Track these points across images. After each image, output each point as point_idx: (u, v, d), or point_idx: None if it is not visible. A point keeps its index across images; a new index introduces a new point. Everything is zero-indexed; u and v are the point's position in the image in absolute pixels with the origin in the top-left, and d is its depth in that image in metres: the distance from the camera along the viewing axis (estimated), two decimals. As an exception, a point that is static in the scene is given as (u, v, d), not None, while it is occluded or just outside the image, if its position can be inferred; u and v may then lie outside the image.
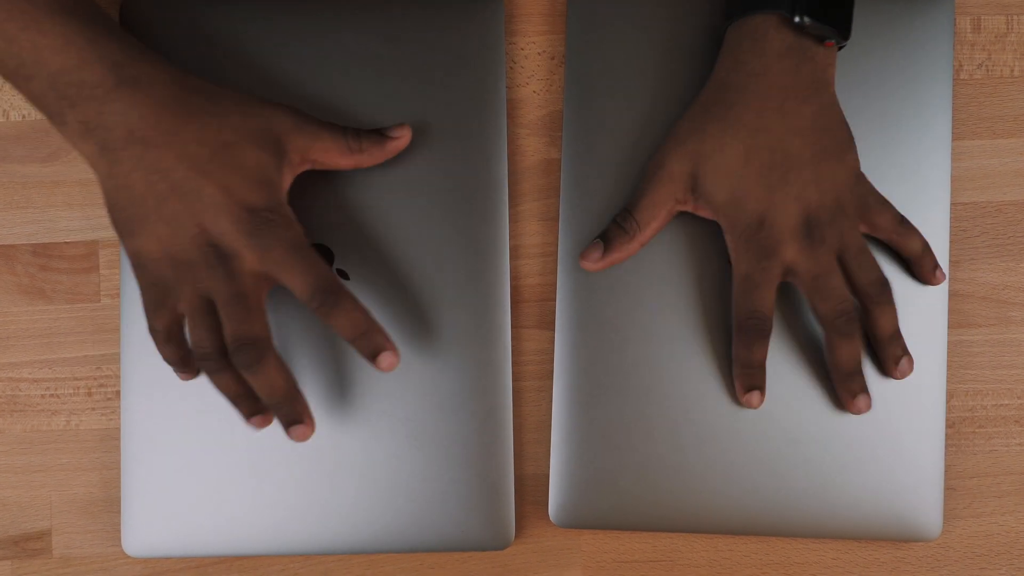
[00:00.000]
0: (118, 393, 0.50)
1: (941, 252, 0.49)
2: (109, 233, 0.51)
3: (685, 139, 0.46)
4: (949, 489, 0.50)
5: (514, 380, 0.50)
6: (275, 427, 0.48)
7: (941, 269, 0.48)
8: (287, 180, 0.44)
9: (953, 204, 0.51)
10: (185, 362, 0.45)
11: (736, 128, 0.44)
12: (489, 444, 0.48)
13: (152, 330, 0.44)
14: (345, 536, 0.48)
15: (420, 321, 0.48)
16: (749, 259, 0.45)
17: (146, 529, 0.48)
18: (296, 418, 0.43)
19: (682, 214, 0.49)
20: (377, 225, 0.49)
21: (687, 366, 0.48)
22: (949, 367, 0.50)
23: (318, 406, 0.48)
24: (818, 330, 0.48)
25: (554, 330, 0.50)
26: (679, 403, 0.48)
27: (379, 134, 0.47)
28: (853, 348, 0.45)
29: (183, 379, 0.47)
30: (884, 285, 0.45)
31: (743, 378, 0.46)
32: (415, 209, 0.49)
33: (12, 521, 0.50)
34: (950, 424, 0.50)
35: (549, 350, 0.50)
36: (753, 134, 0.44)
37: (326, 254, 0.49)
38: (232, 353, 0.42)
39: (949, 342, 0.50)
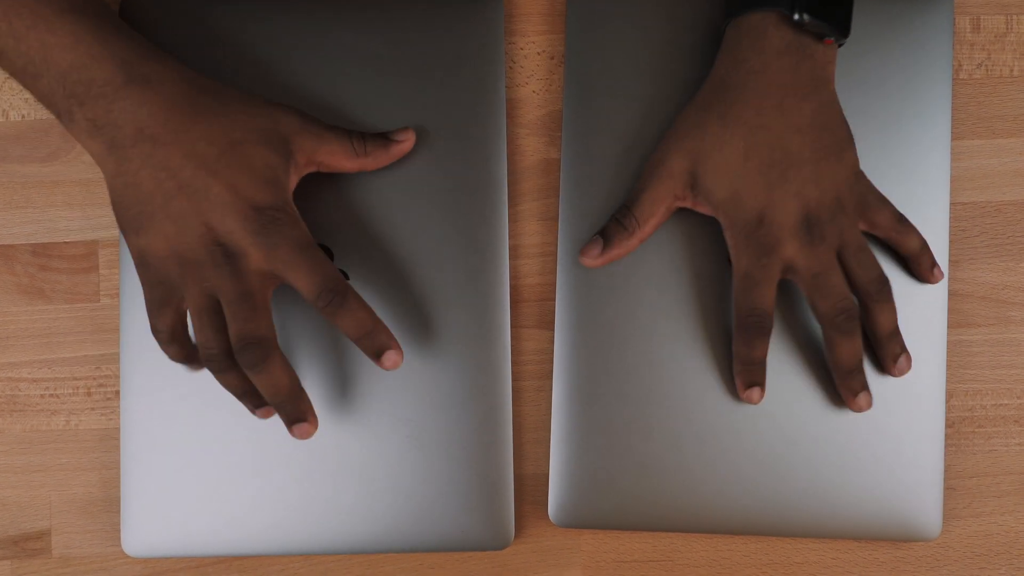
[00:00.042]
0: (117, 393, 0.50)
1: (940, 252, 0.49)
2: (109, 233, 0.51)
3: (684, 136, 0.46)
4: (949, 489, 0.50)
5: (514, 380, 0.50)
6: (276, 427, 0.48)
7: (939, 267, 0.48)
8: (293, 181, 0.45)
9: (953, 204, 0.51)
10: (191, 358, 0.45)
11: (736, 126, 0.44)
12: (489, 444, 0.48)
13: (155, 330, 0.44)
14: (345, 536, 0.48)
15: (420, 321, 0.48)
16: (749, 256, 0.45)
17: (146, 529, 0.48)
18: (300, 416, 0.43)
19: (683, 214, 0.49)
20: (377, 225, 0.49)
21: (687, 366, 0.48)
22: (949, 367, 0.50)
23: (319, 406, 0.48)
24: (817, 329, 0.48)
25: (553, 330, 0.50)
26: (679, 403, 0.48)
27: (384, 138, 0.47)
28: (853, 346, 0.45)
29: (192, 370, 0.47)
30: (884, 283, 0.45)
31: (744, 375, 0.46)
32: (415, 209, 0.49)
33: (12, 521, 0.50)
34: (950, 424, 0.50)
35: (549, 350, 0.50)
36: (753, 132, 0.44)
37: (327, 254, 0.49)
38: (237, 352, 0.42)
39: (949, 342, 0.50)
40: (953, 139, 0.51)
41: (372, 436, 0.48)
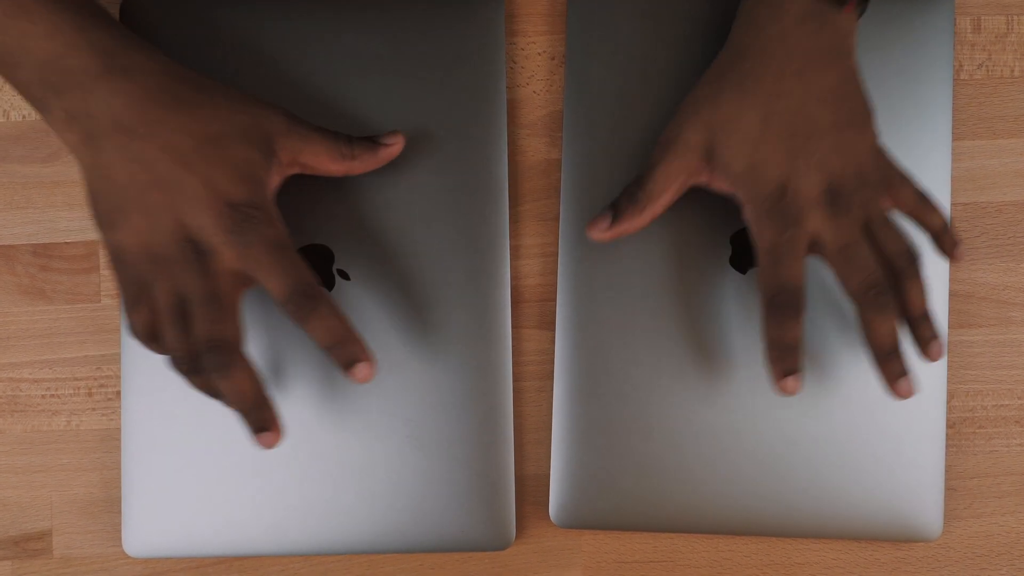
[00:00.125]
0: (118, 393, 0.50)
1: (941, 252, 0.49)
2: (109, 233, 0.51)
3: (699, 108, 0.44)
4: (950, 489, 0.50)
5: (514, 380, 0.50)
6: (275, 427, 0.48)
7: (963, 246, 0.45)
8: (274, 180, 0.43)
9: (953, 204, 0.51)
10: None
11: (754, 94, 0.43)
12: (489, 444, 0.48)
13: (132, 330, 0.42)
14: (345, 536, 0.48)
15: (420, 321, 0.48)
16: (772, 231, 0.42)
17: (146, 529, 0.48)
18: (263, 425, 0.41)
19: (683, 213, 0.49)
20: (378, 225, 0.49)
21: (688, 366, 0.48)
22: (950, 367, 0.50)
23: (319, 406, 0.48)
24: (819, 330, 0.48)
25: (554, 330, 0.50)
26: (679, 403, 0.48)
27: (372, 141, 0.46)
28: (888, 323, 0.42)
29: None
30: (914, 256, 0.43)
31: (777, 362, 0.42)
32: (415, 209, 0.48)
33: (12, 521, 0.50)
34: (951, 424, 0.50)
35: (549, 350, 0.50)
36: (772, 100, 0.42)
37: (326, 254, 0.49)
38: (202, 354, 0.40)
39: (950, 342, 0.50)
40: (954, 140, 0.51)
41: (372, 436, 0.48)
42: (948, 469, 0.50)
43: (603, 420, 0.48)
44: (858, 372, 0.48)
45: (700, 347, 0.48)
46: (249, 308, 0.49)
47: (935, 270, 0.49)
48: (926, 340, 0.43)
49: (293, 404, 0.48)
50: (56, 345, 0.51)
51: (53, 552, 0.50)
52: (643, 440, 0.48)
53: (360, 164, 0.46)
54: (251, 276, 0.41)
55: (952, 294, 0.50)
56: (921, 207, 0.44)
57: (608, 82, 0.49)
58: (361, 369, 0.41)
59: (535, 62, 0.51)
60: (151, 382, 0.48)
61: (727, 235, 0.49)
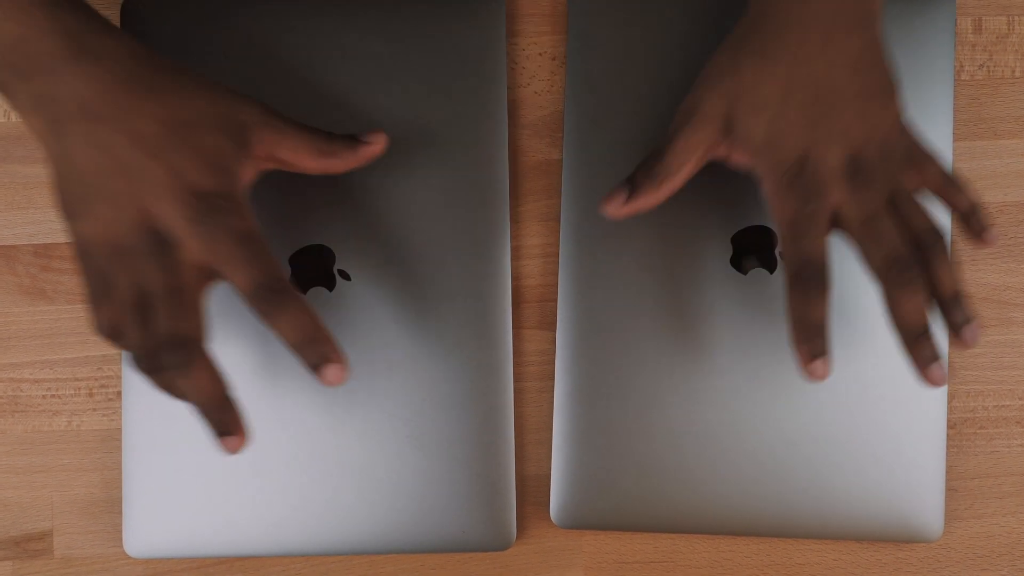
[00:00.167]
0: (119, 394, 0.50)
1: (942, 253, 0.49)
2: (110, 234, 0.51)
3: (718, 78, 0.42)
4: (950, 490, 0.50)
5: (515, 381, 0.50)
6: (275, 427, 0.48)
7: (994, 230, 0.42)
8: (247, 173, 0.41)
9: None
10: None
11: (775, 60, 0.41)
12: (490, 445, 0.48)
13: (96, 326, 0.40)
14: (346, 537, 0.48)
15: (421, 321, 0.48)
16: (793, 203, 0.41)
17: (147, 529, 0.48)
18: (225, 428, 0.38)
19: (683, 212, 0.49)
20: (378, 226, 0.49)
21: (688, 367, 0.48)
22: (951, 368, 0.50)
23: (319, 406, 0.48)
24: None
25: (555, 331, 0.50)
26: (680, 404, 0.48)
27: (353, 139, 0.44)
28: (915, 302, 0.40)
29: None
30: (940, 235, 0.41)
31: (804, 344, 0.40)
32: (416, 209, 0.49)
33: (13, 522, 0.50)
34: (951, 425, 0.50)
35: (550, 351, 0.50)
36: (794, 66, 0.40)
37: (327, 255, 0.49)
38: (162, 351, 0.38)
39: (950, 342, 0.50)
40: (955, 140, 0.51)
41: (373, 436, 0.48)
42: (949, 470, 0.50)
43: (604, 420, 0.48)
44: (858, 371, 0.48)
45: (701, 347, 0.48)
46: (248, 308, 0.49)
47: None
48: (958, 324, 0.41)
49: (293, 404, 0.48)
50: (57, 345, 0.51)
51: (54, 552, 0.50)
52: (644, 440, 0.48)
53: (340, 162, 0.44)
54: (216, 270, 0.39)
55: (953, 294, 0.50)
56: (948, 186, 0.42)
57: (609, 82, 0.49)
58: (331, 371, 0.38)
59: (536, 62, 0.51)
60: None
61: (727, 235, 0.49)
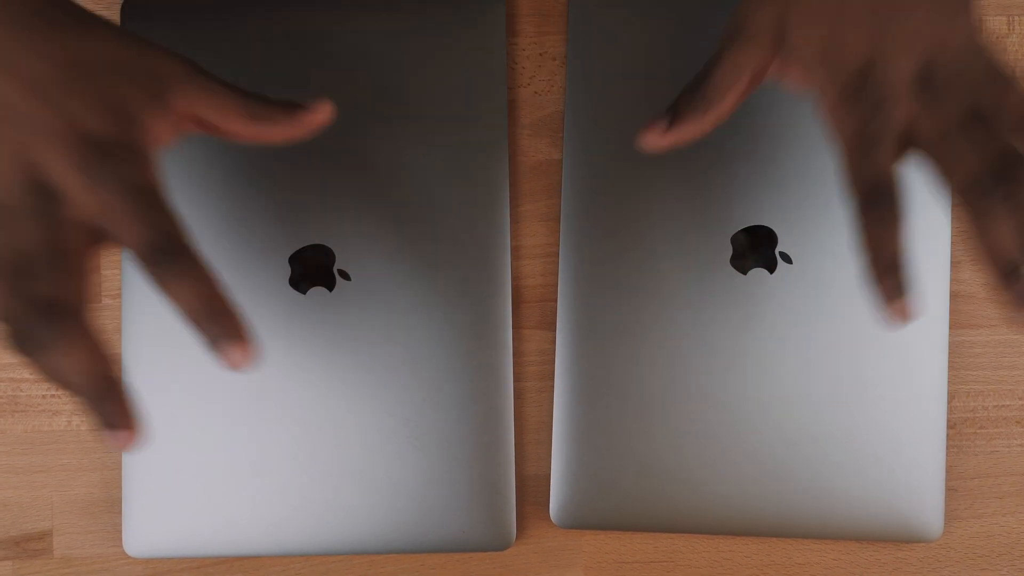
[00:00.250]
0: (119, 393, 0.50)
1: (942, 253, 0.49)
2: (110, 233, 0.51)
3: None
4: (950, 490, 0.50)
5: (515, 381, 0.50)
6: (275, 427, 0.48)
7: None
8: (160, 129, 0.36)
9: (954, 205, 0.51)
10: None
11: None
12: (490, 444, 0.48)
13: None
14: (346, 536, 0.48)
15: (421, 321, 0.48)
16: (856, 119, 0.35)
17: (147, 529, 0.48)
18: (110, 420, 0.33)
19: (683, 212, 0.49)
20: (378, 225, 0.49)
21: (688, 367, 0.48)
22: (950, 367, 0.50)
23: (319, 406, 0.48)
24: (816, 327, 0.48)
25: (555, 331, 0.50)
26: (680, 404, 0.48)
27: (292, 104, 0.38)
28: (1009, 223, 0.33)
29: None
30: (1022, 157, 0.34)
31: (885, 279, 0.34)
32: (415, 209, 0.49)
33: (13, 521, 0.50)
34: (951, 425, 0.50)
35: (550, 351, 0.50)
36: None
37: (327, 254, 0.49)
38: (35, 324, 0.32)
39: (950, 342, 0.50)
40: (955, 140, 0.51)
41: (373, 436, 0.48)
42: (949, 469, 0.50)
43: (604, 420, 0.48)
44: (859, 371, 0.48)
45: (701, 347, 0.48)
46: (247, 307, 0.49)
47: (935, 271, 0.49)
48: None
49: (293, 404, 0.48)
50: (57, 345, 0.51)
51: (54, 552, 0.50)
52: (644, 440, 0.48)
53: (276, 129, 0.38)
54: (104, 228, 0.34)
55: (953, 294, 0.50)
56: None
57: (609, 82, 0.49)
58: (233, 350, 0.33)
59: (536, 62, 0.51)
60: (151, 383, 0.48)
61: (727, 235, 0.49)
